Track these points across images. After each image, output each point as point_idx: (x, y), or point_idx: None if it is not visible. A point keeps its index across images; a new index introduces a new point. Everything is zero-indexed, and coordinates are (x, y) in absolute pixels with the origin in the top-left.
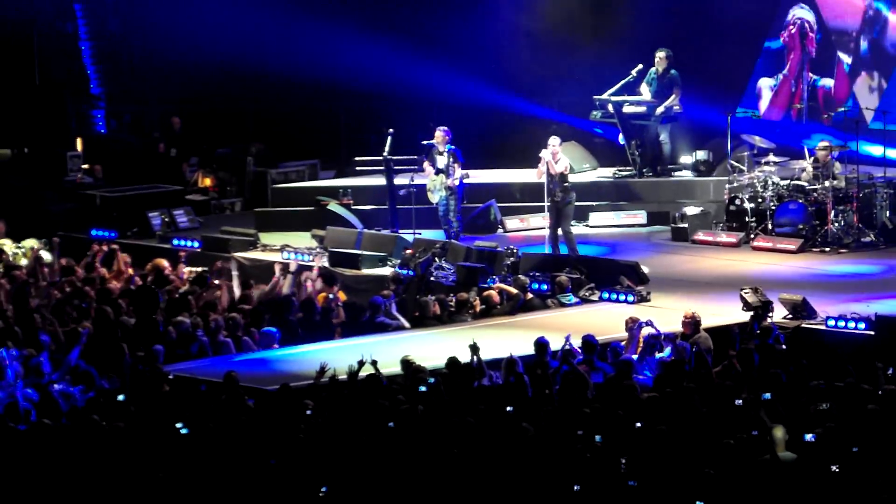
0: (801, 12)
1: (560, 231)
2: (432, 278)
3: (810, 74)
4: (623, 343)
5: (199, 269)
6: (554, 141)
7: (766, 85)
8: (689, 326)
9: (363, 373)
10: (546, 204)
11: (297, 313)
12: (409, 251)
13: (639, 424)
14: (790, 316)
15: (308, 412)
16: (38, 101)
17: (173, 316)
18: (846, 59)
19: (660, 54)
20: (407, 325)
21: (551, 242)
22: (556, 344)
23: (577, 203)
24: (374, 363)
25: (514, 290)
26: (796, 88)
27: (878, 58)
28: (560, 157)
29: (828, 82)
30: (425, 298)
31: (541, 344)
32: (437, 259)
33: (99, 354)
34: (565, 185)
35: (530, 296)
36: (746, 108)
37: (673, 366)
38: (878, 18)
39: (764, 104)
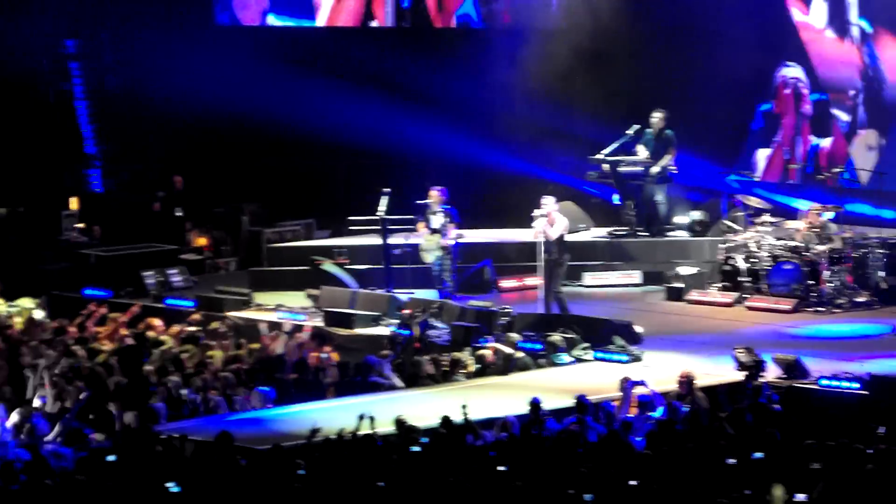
0: (791, 71)
1: (552, 291)
2: (429, 338)
3: (810, 137)
4: (615, 403)
5: (193, 328)
6: (547, 201)
7: (762, 154)
8: (684, 385)
9: (361, 431)
10: (540, 263)
11: (290, 373)
12: (407, 311)
13: (633, 483)
14: (784, 375)
15: (300, 472)
16: (34, 159)
17: (165, 375)
18: (843, 116)
19: (657, 114)
20: (400, 384)
21: (546, 301)
22: (548, 404)
23: (571, 262)
24: (371, 419)
25: (507, 349)
26: (791, 152)
27: (875, 115)
28: (555, 216)
29: (825, 142)
30: (418, 358)
31: (534, 404)
32: (433, 319)
33: (90, 414)
34: (561, 245)
35: (520, 354)
36: (742, 170)
37: (666, 425)
38: (875, 74)
39: (760, 166)
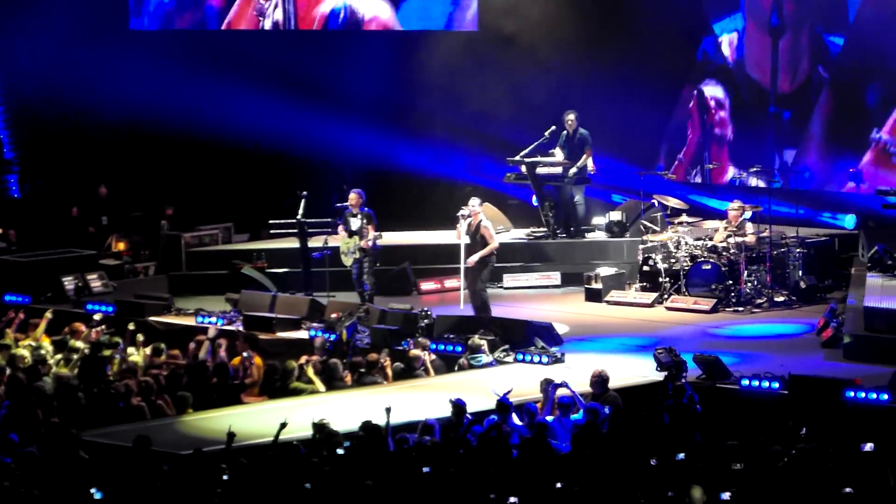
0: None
1: (475, 292)
2: (355, 342)
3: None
4: (538, 404)
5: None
6: (473, 202)
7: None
8: (597, 385)
9: (282, 436)
10: (462, 265)
11: (211, 377)
12: (334, 315)
13: (558, 485)
14: (704, 376)
15: (224, 477)
16: None
17: (88, 380)
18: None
19: (569, 116)
20: (322, 388)
21: (467, 304)
22: (472, 406)
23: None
24: (283, 425)
25: (432, 356)
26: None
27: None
28: (482, 219)
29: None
30: (335, 361)
31: (457, 405)
32: (359, 322)
33: (15, 420)
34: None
35: (433, 357)
36: (659, 170)
37: (587, 427)
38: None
39: (676, 167)
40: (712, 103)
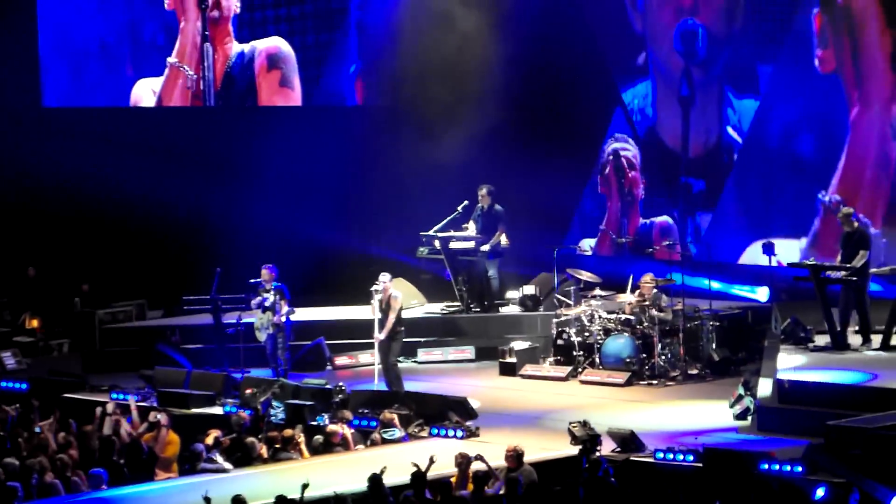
0: (616, 144)
1: (388, 366)
2: (268, 417)
3: (639, 218)
4: (452, 478)
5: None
6: (384, 277)
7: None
8: (513, 460)
9: None
10: (375, 340)
11: (123, 454)
12: (249, 391)
13: None
14: (619, 449)
15: None
16: None
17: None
18: None
19: (481, 191)
20: (229, 467)
21: (381, 378)
22: (388, 479)
23: (405, 339)
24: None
25: (342, 428)
26: (618, 234)
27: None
28: (392, 292)
29: (657, 219)
30: (251, 439)
31: (375, 480)
32: (273, 398)
33: None
34: (398, 320)
35: (351, 431)
36: (570, 244)
37: (505, 497)
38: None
39: (590, 243)
40: (625, 163)
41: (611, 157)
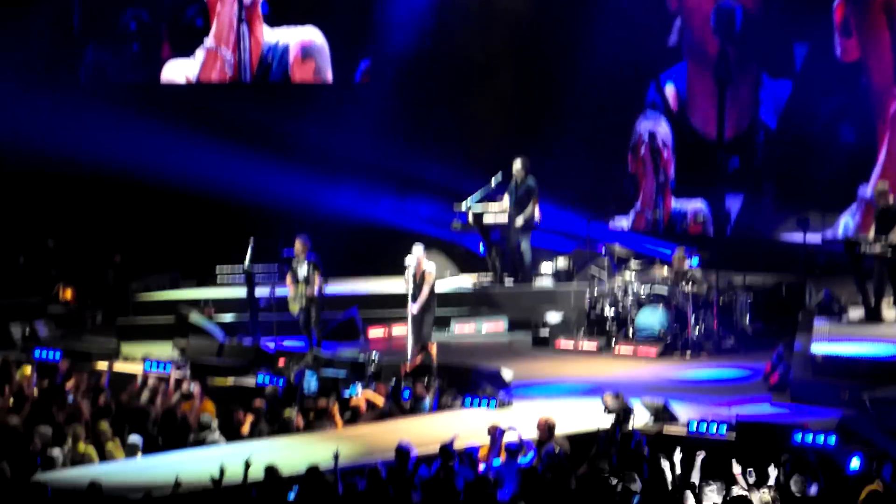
0: (649, 124)
1: (422, 338)
2: (301, 388)
3: (671, 200)
4: (482, 449)
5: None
6: (417, 249)
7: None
8: (544, 431)
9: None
10: (409, 313)
11: (158, 422)
12: (282, 361)
13: None
14: (652, 421)
15: None
16: None
17: (35, 425)
18: None
19: (517, 164)
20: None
21: (413, 350)
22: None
23: (438, 312)
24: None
25: (379, 398)
26: (654, 215)
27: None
28: (425, 264)
29: (687, 205)
30: (290, 410)
31: (401, 450)
32: (307, 368)
33: None
34: (431, 293)
35: (382, 402)
36: (606, 217)
37: (531, 472)
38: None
39: (624, 220)
40: (660, 143)
41: (646, 138)
